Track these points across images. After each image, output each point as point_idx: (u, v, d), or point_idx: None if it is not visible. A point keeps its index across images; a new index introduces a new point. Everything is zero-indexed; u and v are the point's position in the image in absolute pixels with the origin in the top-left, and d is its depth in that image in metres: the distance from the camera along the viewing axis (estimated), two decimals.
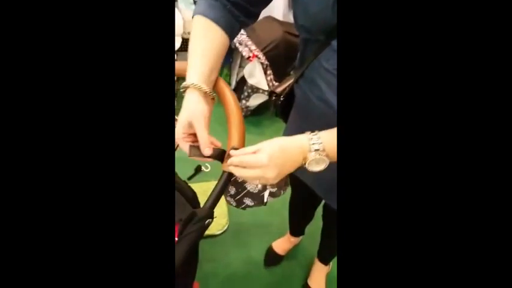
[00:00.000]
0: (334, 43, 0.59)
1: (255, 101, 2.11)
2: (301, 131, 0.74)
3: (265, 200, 0.58)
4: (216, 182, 0.57)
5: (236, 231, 1.53)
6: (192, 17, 0.63)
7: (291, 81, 0.82)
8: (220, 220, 1.52)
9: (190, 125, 0.56)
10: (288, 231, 1.42)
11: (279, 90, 0.85)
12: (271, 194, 0.58)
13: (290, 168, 0.53)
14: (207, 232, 0.57)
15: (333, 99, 0.63)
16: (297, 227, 1.39)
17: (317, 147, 0.52)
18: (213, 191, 0.57)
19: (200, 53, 0.59)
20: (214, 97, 0.59)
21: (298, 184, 0.92)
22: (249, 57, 1.95)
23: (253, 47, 1.97)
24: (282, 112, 0.88)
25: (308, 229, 1.41)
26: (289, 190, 0.73)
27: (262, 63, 1.97)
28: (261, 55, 1.96)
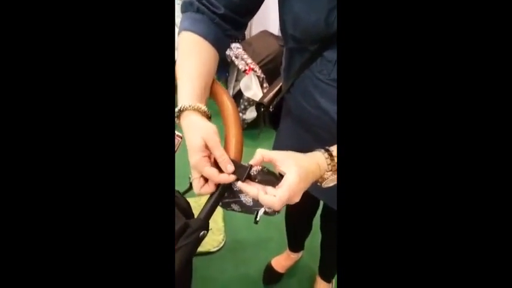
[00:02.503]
0: (327, 53, 0.57)
1: (252, 113, 2.11)
2: (297, 136, 0.71)
3: (257, 219, 0.54)
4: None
5: (233, 248, 1.48)
6: (178, 34, 0.59)
7: (276, 88, 0.80)
8: (216, 236, 1.47)
9: (206, 146, 0.50)
10: (288, 247, 1.37)
11: (266, 100, 0.82)
12: (265, 213, 0.54)
13: (307, 187, 0.50)
14: (203, 249, 0.54)
15: (327, 106, 0.62)
16: (295, 241, 1.35)
17: (335, 168, 0.50)
18: (208, 200, 0.54)
19: (191, 72, 0.55)
20: (210, 115, 0.55)
21: None
22: (245, 70, 1.96)
23: (249, 61, 1.97)
24: (270, 120, 0.86)
25: (308, 245, 1.36)
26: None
27: (258, 76, 1.98)
28: (257, 68, 1.96)
